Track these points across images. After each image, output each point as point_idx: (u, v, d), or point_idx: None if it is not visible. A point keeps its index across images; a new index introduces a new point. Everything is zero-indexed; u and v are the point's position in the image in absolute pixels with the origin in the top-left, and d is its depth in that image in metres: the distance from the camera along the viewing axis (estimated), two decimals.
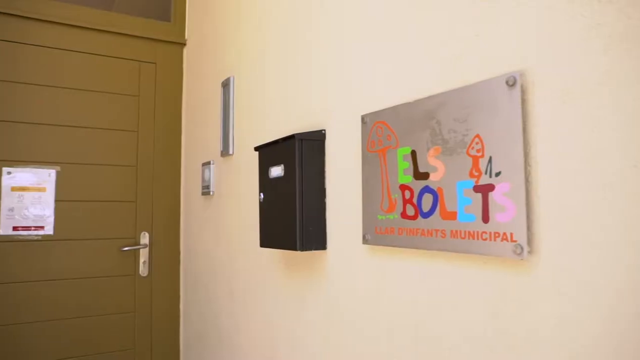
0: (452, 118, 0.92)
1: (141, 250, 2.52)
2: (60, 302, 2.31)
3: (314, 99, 1.40)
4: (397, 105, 1.05)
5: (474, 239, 0.86)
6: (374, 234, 1.11)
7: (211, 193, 2.10)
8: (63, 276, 2.33)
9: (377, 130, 1.11)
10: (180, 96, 2.67)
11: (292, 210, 1.27)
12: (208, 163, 2.15)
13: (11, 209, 2.25)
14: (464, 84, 0.91)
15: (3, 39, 2.26)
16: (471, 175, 0.87)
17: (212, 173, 2.10)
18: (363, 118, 1.16)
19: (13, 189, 2.26)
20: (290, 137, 1.30)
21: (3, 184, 2.23)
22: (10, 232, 2.23)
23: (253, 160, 1.75)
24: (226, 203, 1.98)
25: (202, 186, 2.20)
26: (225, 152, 1.96)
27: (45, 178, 2.33)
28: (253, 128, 1.77)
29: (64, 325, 2.31)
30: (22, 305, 2.24)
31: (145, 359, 2.51)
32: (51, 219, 2.32)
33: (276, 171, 1.36)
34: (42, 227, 2.30)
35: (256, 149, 1.48)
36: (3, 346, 2.18)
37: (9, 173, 2.25)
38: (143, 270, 2.52)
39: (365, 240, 1.13)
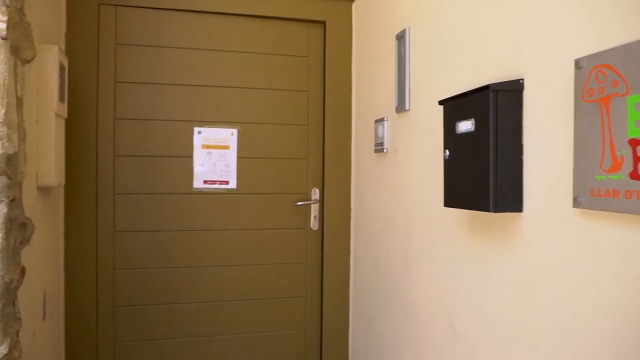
0: None
1: (312, 205, 2.62)
2: (241, 250, 2.53)
3: (508, 45, 1.25)
4: (630, 43, 0.87)
5: None
6: (589, 197, 0.96)
7: (385, 150, 2.07)
8: (244, 226, 2.54)
9: (598, 75, 0.94)
10: (349, 53, 2.65)
11: (484, 168, 1.17)
12: (381, 120, 2.10)
13: (202, 165, 2.48)
14: None
15: (192, 9, 2.44)
16: None
17: (386, 130, 2.06)
18: (577, 62, 1.00)
19: (203, 146, 2.48)
20: (483, 89, 1.18)
21: (195, 142, 2.47)
22: (202, 185, 2.48)
23: (433, 115, 1.66)
24: (402, 160, 1.93)
25: (375, 143, 2.17)
26: (400, 107, 1.89)
27: (228, 137, 2.52)
28: (432, 81, 1.67)
29: (244, 270, 2.54)
30: (210, 250, 2.49)
31: (315, 307, 2.64)
32: (234, 174, 2.52)
33: (465, 126, 1.25)
34: (226, 182, 2.51)
35: (441, 102, 1.39)
36: (197, 283, 2.47)
37: (199, 132, 2.48)
38: (314, 224, 2.62)
39: (576, 204, 0.99)
